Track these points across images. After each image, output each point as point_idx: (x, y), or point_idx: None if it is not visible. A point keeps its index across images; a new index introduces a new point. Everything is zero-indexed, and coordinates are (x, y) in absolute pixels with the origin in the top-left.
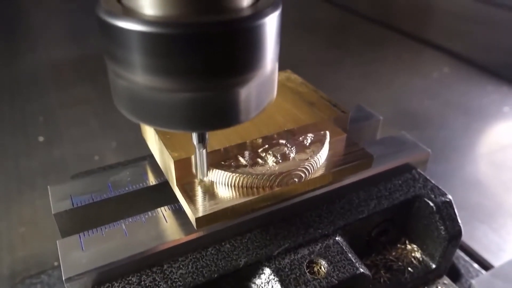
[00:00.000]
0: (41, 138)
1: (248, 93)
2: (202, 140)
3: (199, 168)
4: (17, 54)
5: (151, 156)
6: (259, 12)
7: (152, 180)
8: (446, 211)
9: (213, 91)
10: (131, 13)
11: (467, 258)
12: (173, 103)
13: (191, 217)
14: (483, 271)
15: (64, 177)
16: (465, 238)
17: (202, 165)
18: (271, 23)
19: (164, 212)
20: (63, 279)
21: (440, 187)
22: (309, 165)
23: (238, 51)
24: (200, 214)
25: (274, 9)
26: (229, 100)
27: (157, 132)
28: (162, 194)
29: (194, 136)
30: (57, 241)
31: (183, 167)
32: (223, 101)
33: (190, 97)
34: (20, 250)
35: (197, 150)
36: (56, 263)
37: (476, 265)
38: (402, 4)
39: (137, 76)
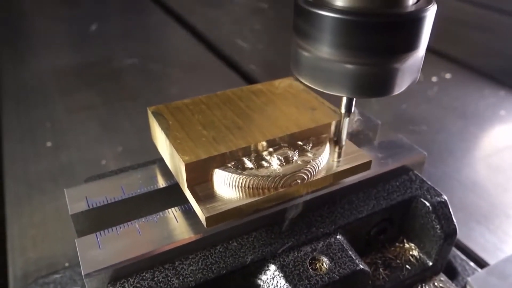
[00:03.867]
0: (48, 144)
1: (402, 70)
2: (349, 109)
3: (341, 135)
4: (22, 61)
5: (160, 160)
6: (423, 7)
7: (162, 183)
8: (442, 210)
9: (377, 66)
10: (325, 3)
11: (463, 257)
12: (344, 73)
13: (201, 217)
14: (479, 269)
15: (72, 181)
16: (463, 238)
17: (342, 133)
18: (430, 16)
19: (175, 213)
20: (83, 275)
21: (436, 188)
22: (311, 167)
23: (405, 35)
24: (210, 213)
25: (433, 5)
26: (387, 74)
27: (168, 136)
28: (172, 196)
29: (343, 104)
30: (75, 240)
31: (193, 170)
32: (382, 74)
33: (359, 69)
34: (31, 252)
35: (342, 117)
36: (67, 264)
37: (472, 264)
38: None
39: (323, 51)
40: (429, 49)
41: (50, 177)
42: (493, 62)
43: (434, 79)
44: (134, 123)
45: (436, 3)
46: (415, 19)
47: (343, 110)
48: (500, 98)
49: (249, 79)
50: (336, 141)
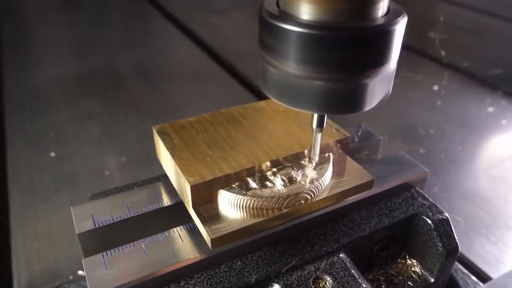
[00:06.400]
0: (52, 154)
1: (372, 86)
2: (320, 125)
3: (312, 149)
4: (26, 69)
5: (164, 177)
6: (392, 20)
7: (167, 201)
8: (443, 228)
9: (346, 81)
10: (290, 17)
11: (465, 271)
12: (312, 89)
13: (207, 238)
14: (481, 284)
15: (76, 192)
16: (463, 250)
17: (315, 147)
18: (400, 29)
19: (180, 232)
20: None
21: (437, 204)
22: (315, 187)
23: (373, 50)
24: (215, 235)
25: (403, 17)
26: (357, 90)
27: (173, 156)
28: (177, 214)
29: (315, 120)
30: (82, 260)
31: (199, 191)
32: (352, 90)
33: (327, 85)
34: (36, 264)
35: (314, 133)
36: (71, 277)
37: (474, 278)
38: None
39: (289, 66)
40: (429, 57)
41: (55, 187)
42: (494, 71)
43: (435, 87)
44: (138, 132)
45: (433, 9)
46: (384, 33)
47: (314, 126)
48: (502, 107)
49: (251, 88)
50: (309, 158)
